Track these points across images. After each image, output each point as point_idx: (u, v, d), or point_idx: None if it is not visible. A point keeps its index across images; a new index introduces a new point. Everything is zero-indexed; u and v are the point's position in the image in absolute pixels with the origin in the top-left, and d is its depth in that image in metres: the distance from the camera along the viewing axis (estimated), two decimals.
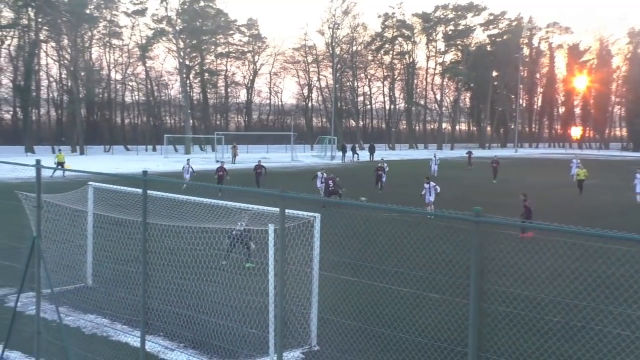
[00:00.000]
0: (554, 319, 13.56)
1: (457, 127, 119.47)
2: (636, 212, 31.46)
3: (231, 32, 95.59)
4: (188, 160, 39.97)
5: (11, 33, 76.68)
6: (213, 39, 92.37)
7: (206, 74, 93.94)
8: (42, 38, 77.84)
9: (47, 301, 10.33)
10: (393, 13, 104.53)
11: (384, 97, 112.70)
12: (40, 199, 10.17)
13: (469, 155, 60.11)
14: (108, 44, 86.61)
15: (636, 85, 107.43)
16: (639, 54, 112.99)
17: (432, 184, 30.04)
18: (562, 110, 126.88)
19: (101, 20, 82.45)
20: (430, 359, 10.50)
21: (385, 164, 40.14)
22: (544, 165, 69.30)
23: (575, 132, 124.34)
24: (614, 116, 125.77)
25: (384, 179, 38.10)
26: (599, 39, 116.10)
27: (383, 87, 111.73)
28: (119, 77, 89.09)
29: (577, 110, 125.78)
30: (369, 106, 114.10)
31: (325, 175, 31.28)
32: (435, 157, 53.15)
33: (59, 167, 36.55)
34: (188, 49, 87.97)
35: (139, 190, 9.58)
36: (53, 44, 79.44)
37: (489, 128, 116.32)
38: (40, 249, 10.00)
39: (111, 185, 14.94)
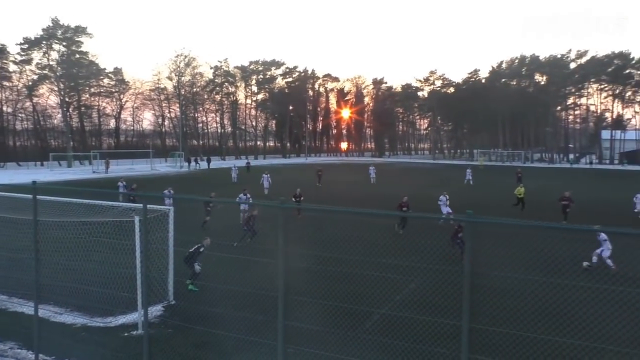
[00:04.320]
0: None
1: (267, 144, 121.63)
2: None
3: (101, 77, 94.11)
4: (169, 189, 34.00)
5: None
6: (87, 82, 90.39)
7: (82, 108, 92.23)
8: None
9: None
10: (221, 65, 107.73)
11: (216, 124, 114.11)
12: None
13: (320, 174, 44.11)
14: (0, 85, 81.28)
15: (378, 115, 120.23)
16: (379, 95, 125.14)
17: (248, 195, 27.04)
18: (334, 131, 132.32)
19: None
20: (253, 303, 10.50)
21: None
22: (339, 169, 69.34)
23: (343, 145, 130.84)
24: (366, 135, 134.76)
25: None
26: (355, 85, 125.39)
27: (216, 116, 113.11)
28: (10, 110, 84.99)
29: (344, 131, 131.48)
30: (206, 130, 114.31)
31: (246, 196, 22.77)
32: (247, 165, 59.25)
33: None
34: (67, 89, 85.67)
35: (29, 196, 8.85)
36: None
37: (288, 144, 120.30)
38: None
39: (5, 193, 13.89)
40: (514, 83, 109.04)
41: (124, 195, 23.82)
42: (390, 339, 9.51)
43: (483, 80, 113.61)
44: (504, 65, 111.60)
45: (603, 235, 15.01)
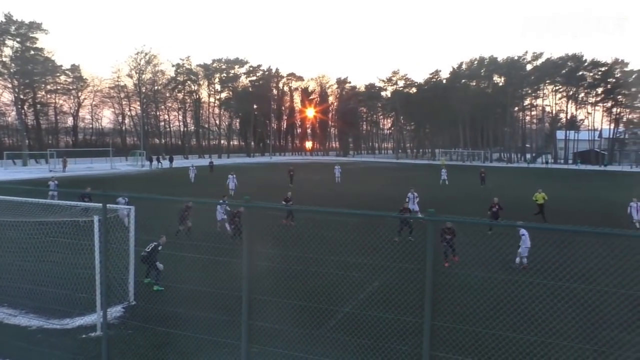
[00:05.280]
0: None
1: (231, 142, 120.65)
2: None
3: (58, 74, 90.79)
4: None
5: None
6: (43, 79, 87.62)
7: (38, 105, 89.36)
8: None
9: None
10: (183, 63, 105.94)
11: (179, 122, 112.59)
12: None
13: (292, 174, 42.89)
14: None
15: (342, 115, 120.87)
16: (343, 95, 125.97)
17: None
18: (299, 130, 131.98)
19: None
20: (216, 302, 10.27)
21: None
22: (305, 168, 67.53)
23: (308, 145, 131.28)
24: (331, 134, 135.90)
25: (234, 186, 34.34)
26: (320, 84, 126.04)
27: (178, 115, 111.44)
28: None
29: (309, 131, 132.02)
30: (168, 129, 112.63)
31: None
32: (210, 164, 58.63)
33: None
34: (22, 86, 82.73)
35: None
36: None
37: (252, 143, 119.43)
38: None
39: None
40: (474, 84, 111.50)
41: (78, 196, 21.72)
42: (354, 337, 9.54)
43: (444, 81, 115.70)
44: (463, 66, 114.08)
45: (522, 231, 15.09)
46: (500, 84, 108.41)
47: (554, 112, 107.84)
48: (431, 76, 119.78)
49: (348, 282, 13.24)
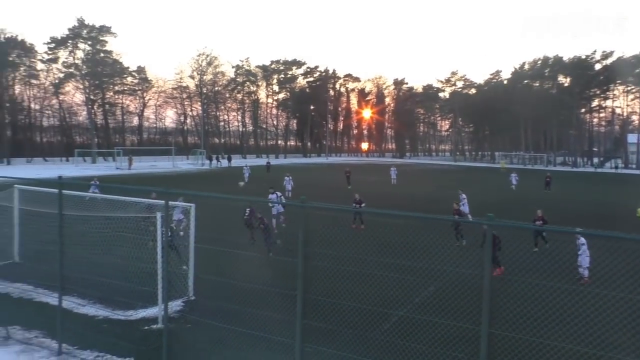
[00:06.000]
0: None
1: (288, 143, 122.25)
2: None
3: (125, 75, 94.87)
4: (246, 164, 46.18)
5: None
6: (111, 80, 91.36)
7: (107, 105, 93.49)
8: None
9: None
10: (243, 65, 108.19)
11: (238, 122, 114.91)
12: None
13: (348, 176, 41.88)
14: (28, 82, 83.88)
15: (399, 116, 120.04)
16: (400, 96, 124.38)
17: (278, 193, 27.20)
18: (355, 131, 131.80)
19: (21, 65, 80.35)
20: (271, 301, 10.35)
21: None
22: (362, 169, 66.79)
23: (364, 146, 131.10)
24: (387, 135, 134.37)
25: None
26: (376, 85, 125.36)
27: (237, 115, 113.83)
28: (37, 107, 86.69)
29: (365, 132, 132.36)
30: (227, 129, 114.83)
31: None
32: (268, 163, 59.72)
33: None
34: (92, 87, 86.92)
35: (55, 190, 8.95)
36: None
37: (309, 143, 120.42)
38: None
39: (33, 187, 14.47)
40: (537, 84, 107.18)
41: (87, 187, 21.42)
42: (408, 341, 9.37)
43: (505, 82, 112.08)
44: (526, 67, 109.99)
45: (582, 240, 14.18)
46: (566, 85, 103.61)
47: (625, 114, 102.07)
48: (491, 77, 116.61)
49: (403, 285, 13.03)
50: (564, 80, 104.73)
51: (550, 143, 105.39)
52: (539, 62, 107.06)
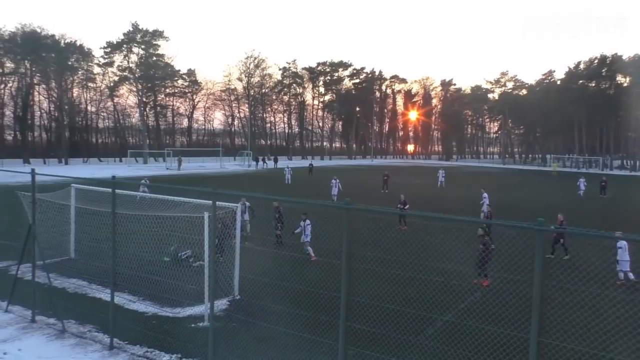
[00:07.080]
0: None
1: (333, 145, 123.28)
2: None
3: (176, 78, 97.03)
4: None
5: (12, 78, 77.47)
6: (163, 83, 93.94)
7: (158, 107, 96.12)
8: (35, 82, 77.98)
9: (40, 270, 10.08)
10: (289, 67, 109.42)
11: (284, 124, 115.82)
12: (34, 196, 10.12)
13: (386, 179, 39.62)
14: (85, 86, 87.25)
15: (446, 117, 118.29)
16: (447, 97, 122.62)
17: (336, 180, 29.59)
18: (401, 133, 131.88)
19: (79, 69, 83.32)
20: (315, 302, 10.27)
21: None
22: (407, 172, 66.31)
23: (410, 148, 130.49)
24: (434, 137, 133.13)
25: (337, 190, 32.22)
26: (423, 86, 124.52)
27: (283, 117, 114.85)
28: (93, 109, 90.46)
29: (411, 134, 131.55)
30: (274, 130, 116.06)
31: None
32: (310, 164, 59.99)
33: None
34: (145, 90, 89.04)
35: (109, 190, 9.19)
36: (44, 86, 78.88)
37: (354, 145, 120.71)
38: (35, 232, 9.97)
39: (88, 186, 14.62)
40: (593, 85, 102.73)
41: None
42: (453, 348, 9.21)
43: (558, 82, 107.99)
44: (581, 66, 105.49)
45: (620, 243, 13.70)
46: (625, 85, 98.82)
47: None
48: (544, 77, 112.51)
49: (449, 290, 12.81)
50: (623, 80, 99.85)
51: (606, 146, 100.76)
52: (596, 61, 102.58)
